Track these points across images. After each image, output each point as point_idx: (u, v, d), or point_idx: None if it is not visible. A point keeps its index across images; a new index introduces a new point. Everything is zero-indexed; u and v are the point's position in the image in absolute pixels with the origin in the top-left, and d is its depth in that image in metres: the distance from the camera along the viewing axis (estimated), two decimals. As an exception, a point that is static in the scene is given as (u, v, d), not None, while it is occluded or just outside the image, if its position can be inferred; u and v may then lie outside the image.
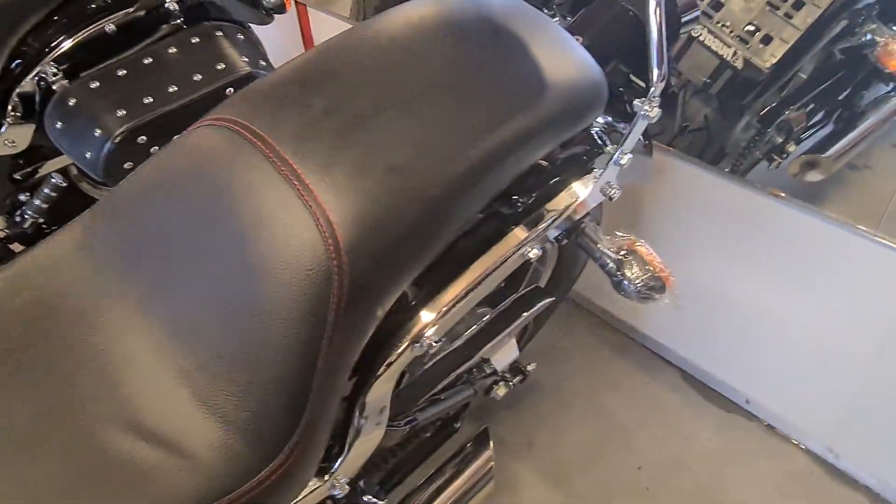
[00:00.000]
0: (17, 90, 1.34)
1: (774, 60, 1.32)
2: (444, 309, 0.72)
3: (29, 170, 1.53)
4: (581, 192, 0.83)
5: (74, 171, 1.60)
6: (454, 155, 0.66)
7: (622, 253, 0.81)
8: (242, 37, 1.50)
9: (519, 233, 0.77)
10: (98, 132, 1.28)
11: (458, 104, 0.70)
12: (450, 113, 0.69)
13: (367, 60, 0.72)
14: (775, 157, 1.64)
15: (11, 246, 1.61)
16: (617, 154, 0.84)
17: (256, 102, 0.70)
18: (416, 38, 0.75)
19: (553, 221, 0.79)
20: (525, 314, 0.97)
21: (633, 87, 0.91)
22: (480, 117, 0.69)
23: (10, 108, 1.35)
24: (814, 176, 1.69)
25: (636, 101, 0.82)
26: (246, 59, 1.43)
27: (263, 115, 0.67)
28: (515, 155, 0.71)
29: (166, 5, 1.43)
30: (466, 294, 0.73)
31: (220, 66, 1.40)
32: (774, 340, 1.58)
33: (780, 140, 1.59)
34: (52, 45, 1.34)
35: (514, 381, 1.40)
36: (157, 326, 0.61)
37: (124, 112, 1.29)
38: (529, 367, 1.39)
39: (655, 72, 0.79)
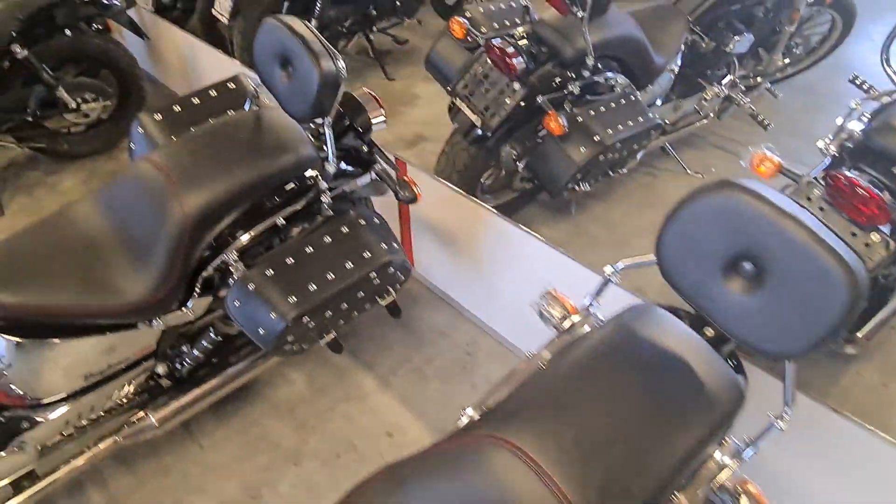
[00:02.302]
0: (204, 273, 1.63)
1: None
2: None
3: (194, 327, 1.81)
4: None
5: (219, 323, 1.87)
6: (659, 474, 0.94)
7: (737, 490, 1.07)
8: (378, 221, 1.79)
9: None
10: (273, 315, 1.56)
11: (656, 428, 1.00)
12: (653, 437, 0.99)
13: (591, 392, 1.04)
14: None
15: (162, 382, 1.86)
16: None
17: (521, 427, 0.98)
18: (617, 367, 1.07)
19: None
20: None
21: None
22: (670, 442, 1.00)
23: (197, 287, 1.63)
24: (850, 350, 1.96)
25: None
26: (384, 247, 1.72)
27: (529, 439, 0.95)
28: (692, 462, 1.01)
29: (321, 199, 1.73)
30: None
31: (367, 255, 1.68)
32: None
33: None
34: (235, 237, 1.63)
35: None
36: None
37: (295, 299, 1.57)
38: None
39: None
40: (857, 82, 2.04)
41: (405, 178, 1.76)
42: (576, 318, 1.23)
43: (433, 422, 2.06)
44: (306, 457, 1.97)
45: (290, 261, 1.62)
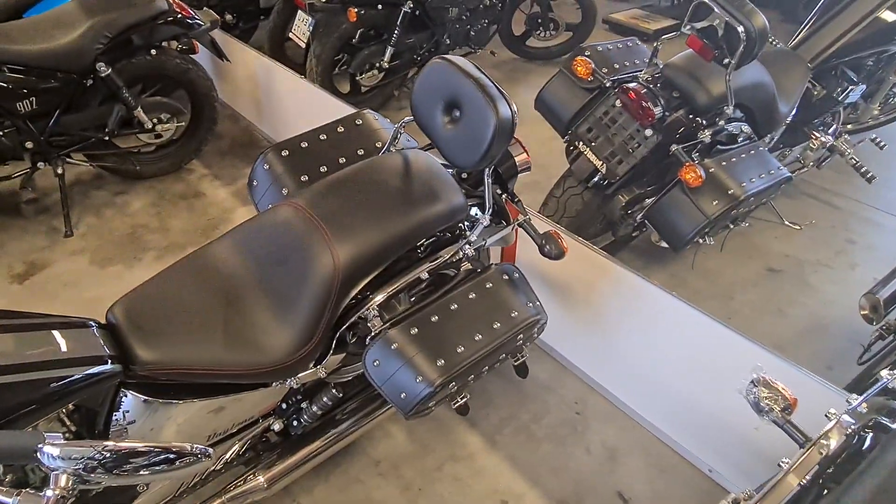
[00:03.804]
0: (342, 329, 1.49)
1: None
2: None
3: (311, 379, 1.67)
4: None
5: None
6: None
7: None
8: (518, 275, 1.66)
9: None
10: (419, 379, 1.41)
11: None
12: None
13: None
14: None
15: (271, 438, 1.72)
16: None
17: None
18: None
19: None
20: None
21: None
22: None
23: (333, 343, 1.49)
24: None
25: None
26: (530, 305, 1.58)
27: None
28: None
29: (464, 250, 1.60)
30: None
31: (514, 314, 1.54)
32: None
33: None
34: (376, 291, 1.50)
35: None
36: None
37: (443, 362, 1.43)
38: None
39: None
40: None
41: (552, 231, 1.63)
42: (828, 428, 1.08)
43: (550, 489, 1.91)
44: (417, 523, 1.82)
45: (434, 318, 1.49)
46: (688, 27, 1.95)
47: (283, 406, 1.66)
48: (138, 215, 2.96)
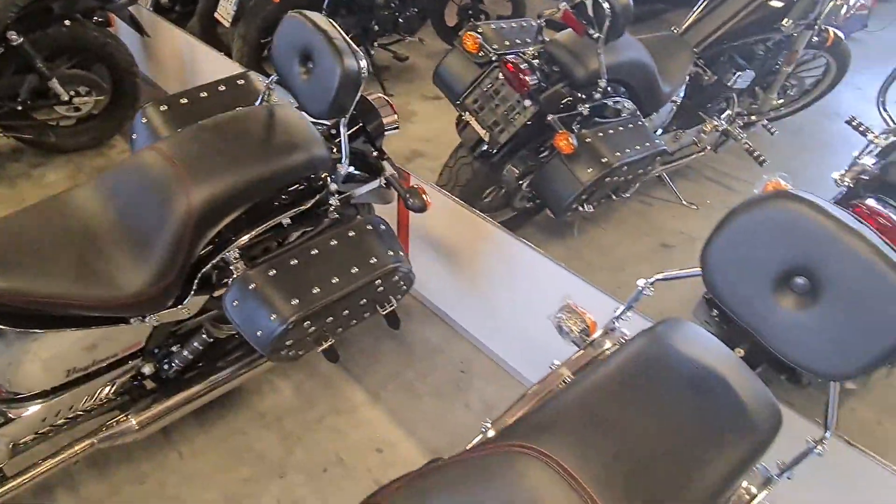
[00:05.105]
0: (203, 270, 1.56)
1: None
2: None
3: (185, 327, 1.73)
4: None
5: (209, 324, 1.79)
6: (700, 496, 0.90)
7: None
8: (384, 227, 1.75)
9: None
10: (273, 317, 1.49)
11: (696, 447, 0.95)
12: (693, 456, 0.94)
13: (629, 407, 0.97)
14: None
15: (146, 384, 1.77)
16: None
17: (558, 439, 0.91)
18: (653, 381, 1.02)
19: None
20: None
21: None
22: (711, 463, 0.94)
23: (194, 284, 1.56)
24: (850, 385, 1.96)
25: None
26: (391, 254, 1.67)
27: (568, 453, 0.89)
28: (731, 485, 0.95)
29: (329, 201, 1.68)
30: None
31: (373, 261, 1.63)
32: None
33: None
34: (238, 234, 1.57)
35: None
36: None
37: (297, 301, 1.51)
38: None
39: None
40: (854, 124, 2.07)
41: (415, 185, 1.72)
42: (597, 335, 1.20)
43: (425, 440, 2.00)
44: (291, 469, 1.89)
45: (293, 262, 1.56)
46: (563, 3, 2.07)
47: (156, 350, 1.73)
48: (53, 187, 2.98)
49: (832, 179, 1.74)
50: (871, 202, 1.54)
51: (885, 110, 2.02)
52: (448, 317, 2.38)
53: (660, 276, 1.22)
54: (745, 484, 1.05)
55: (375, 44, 3.91)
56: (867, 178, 1.67)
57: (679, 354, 1.06)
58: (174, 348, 1.73)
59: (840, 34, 2.96)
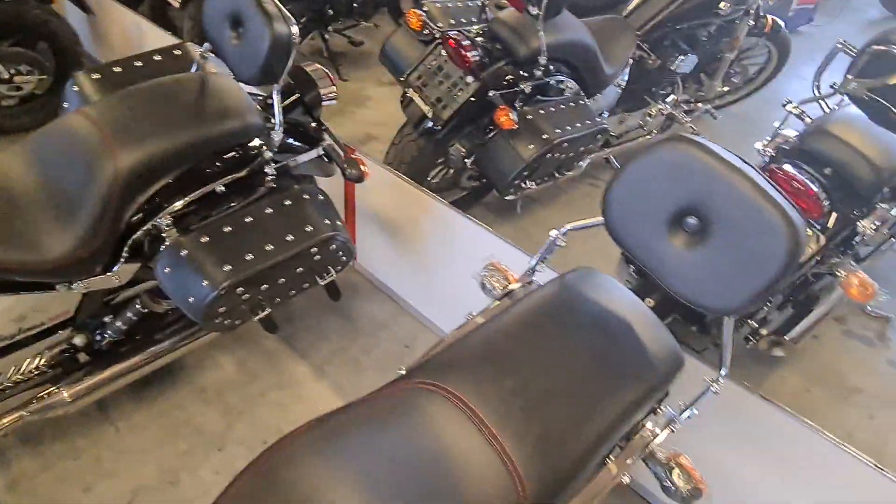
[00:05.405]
0: (133, 237, 1.54)
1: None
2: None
3: (116, 295, 1.71)
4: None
5: (146, 297, 1.77)
6: (596, 429, 0.93)
7: (670, 463, 1.08)
8: (322, 197, 1.75)
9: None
10: (206, 283, 1.48)
11: (595, 385, 0.99)
12: (591, 393, 0.98)
13: (532, 347, 1.01)
14: (750, 339, 1.97)
15: (79, 356, 1.75)
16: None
17: (460, 376, 0.95)
18: (558, 324, 1.05)
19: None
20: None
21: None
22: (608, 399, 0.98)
23: (124, 251, 1.54)
24: (778, 353, 2.04)
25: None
26: (328, 222, 1.68)
27: (469, 389, 0.92)
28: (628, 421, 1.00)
29: (265, 169, 1.68)
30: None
31: (308, 229, 1.63)
32: None
33: (755, 325, 1.92)
34: (170, 202, 1.56)
35: None
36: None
37: (230, 267, 1.50)
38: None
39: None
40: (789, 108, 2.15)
41: (353, 156, 1.73)
42: (516, 286, 1.23)
43: (367, 412, 2.01)
44: (231, 442, 1.88)
45: (227, 229, 1.56)
46: (507, -19, 2.10)
47: (88, 320, 1.70)
48: (-7, 167, 2.90)
49: (755, 149, 1.81)
50: (787, 167, 1.60)
51: (819, 92, 2.10)
52: (394, 293, 2.39)
53: (569, 225, 1.25)
54: (650, 425, 1.09)
55: (330, 28, 3.90)
56: (787, 147, 1.74)
57: (585, 299, 1.09)
58: (107, 319, 1.71)
59: (779, 21, 3.05)
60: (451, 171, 2.60)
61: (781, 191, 0.91)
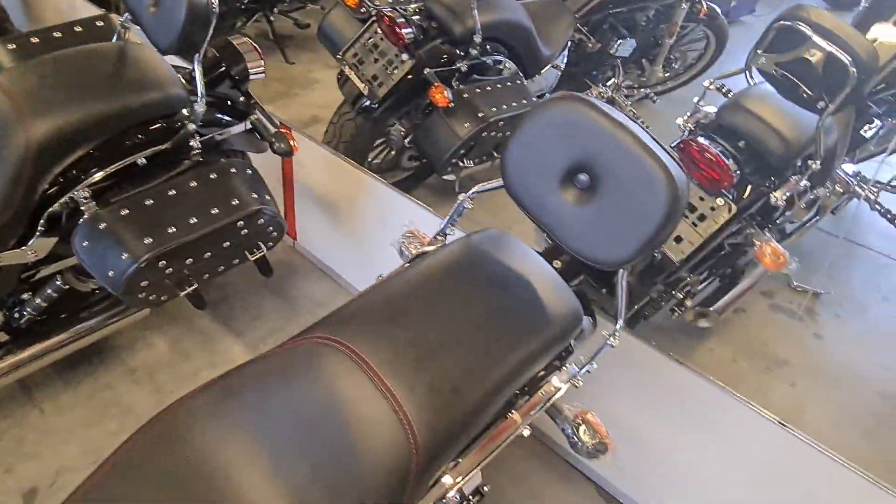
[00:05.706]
0: (49, 209, 1.50)
1: (684, 256, 1.70)
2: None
3: (37, 272, 1.66)
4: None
5: (70, 275, 1.73)
6: (490, 380, 0.95)
7: (577, 420, 1.11)
8: (250, 172, 1.73)
9: None
10: (125, 255, 1.46)
11: (491, 338, 1.01)
12: (487, 346, 1.00)
13: (431, 302, 1.03)
14: (676, 310, 2.03)
15: (-1, 336, 1.70)
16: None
17: (356, 329, 0.97)
18: (459, 281, 1.08)
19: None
20: None
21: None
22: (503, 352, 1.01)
23: (40, 224, 1.50)
24: (703, 324, 2.10)
25: None
26: (255, 196, 1.66)
27: (363, 341, 0.94)
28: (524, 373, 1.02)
29: (191, 143, 1.65)
30: None
31: (234, 202, 1.61)
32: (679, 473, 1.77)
33: (681, 297, 1.98)
34: (88, 173, 1.52)
35: None
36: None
37: (151, 240, 1.48)
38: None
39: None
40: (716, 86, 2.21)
41: (281, 130, 1.72)
42: (428, 249, 1.24)
43: (302, 389, 2.00)
44: (162, 422, 1.86)
45: (148, 202, 1.53)
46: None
47: (5, 297, 1.65)
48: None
49: (676, 124, 1.87)
50: (701, 139, 1.65)
51: (752, 75, 2.17)
52: (332, 271, 2.38)
53: (476, 188, 1.27)
54: (556, 381, 1.12)
55: (276, 10, 3.84)
56: (706, 122, 1.80)
57: (487, 258, 1.11)
58: (25, 296, 1.66)
59: (715, 7, 3.13)
60: (392, 151, 2.60)
61: (666, 147, 0.94)
